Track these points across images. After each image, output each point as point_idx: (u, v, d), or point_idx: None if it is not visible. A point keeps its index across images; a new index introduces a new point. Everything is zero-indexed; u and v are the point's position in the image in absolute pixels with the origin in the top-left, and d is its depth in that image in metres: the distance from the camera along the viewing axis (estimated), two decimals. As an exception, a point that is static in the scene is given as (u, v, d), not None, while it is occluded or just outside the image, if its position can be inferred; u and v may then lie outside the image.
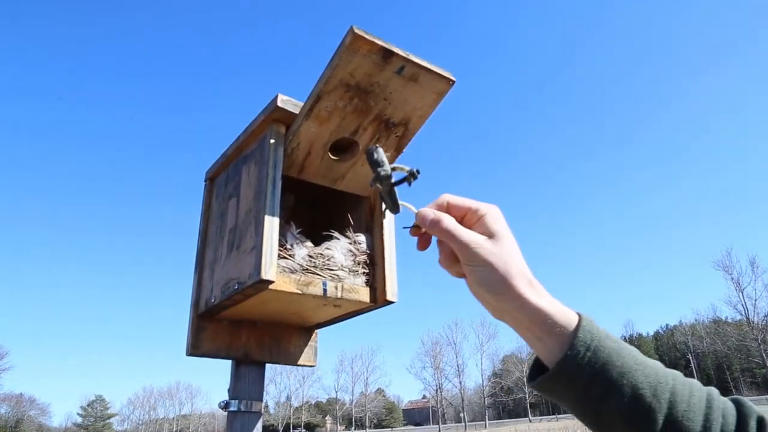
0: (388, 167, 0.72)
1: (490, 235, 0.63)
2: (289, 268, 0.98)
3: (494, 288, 0.62)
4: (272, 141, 0.99)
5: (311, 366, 1.28)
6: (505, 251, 0.62)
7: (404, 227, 0.70)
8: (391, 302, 1.08)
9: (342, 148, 1.06)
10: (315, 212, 1.29)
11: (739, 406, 0.60)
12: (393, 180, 0.72)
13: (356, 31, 0.84)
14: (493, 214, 0.65)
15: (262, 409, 1.17)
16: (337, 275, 1.04)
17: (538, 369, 0.65)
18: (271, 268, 0.91)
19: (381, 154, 0.72)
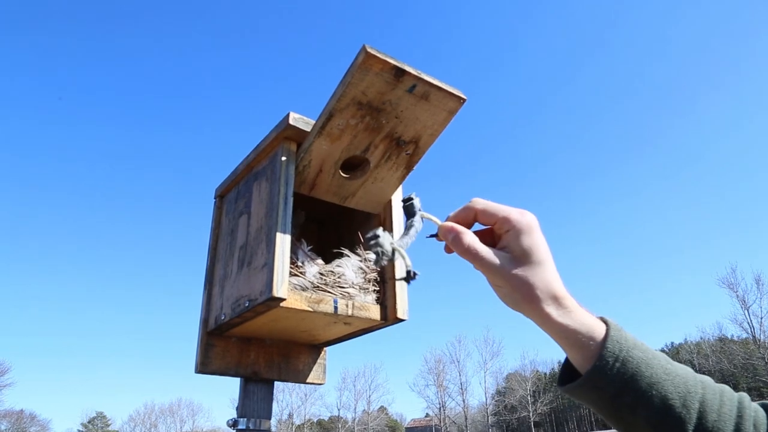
0: (389, 251, 0.69)
1: (517, 252, 0.60)
2: (300, 286, 0.97)
3: (517, 306, 0.62)
4: (284, 158, 1.00)
5: (320, 384, 1.28)
6: (530, 271, 0.60)
7: (428, 236, 0.66)
8: (402, 320, 1.07)
9: (353, 165, 1.06)
10: (325, 229, 1.29)
11: None
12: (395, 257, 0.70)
13: (369, 50, 0.85)
14: (524, 227, 0.61)
15: (270, 428, 1.16)
16: (348, 293, 1.04)
17: (568, 372, 0.65)
18: (282, 285, 0.91)
19: (384, 240, 0.68)
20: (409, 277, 0.66)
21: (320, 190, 1.08)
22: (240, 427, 1.12)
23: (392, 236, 0.65)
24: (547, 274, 0.61)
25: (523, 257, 0.60)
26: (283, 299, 0.91)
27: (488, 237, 0.64)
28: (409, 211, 0.67)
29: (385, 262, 0.66)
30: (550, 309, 0.60)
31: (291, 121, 0.99)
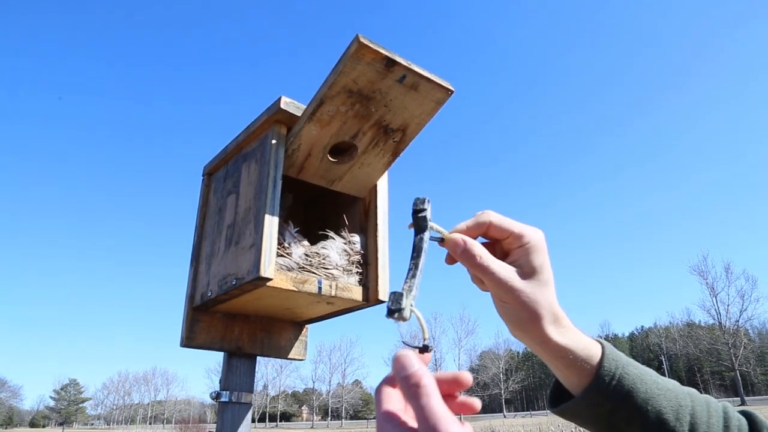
0: (407, 315, 0.57)
1: (527, 269, 0.60)
2: (287, 266, 1.01)
3: (520, 326, 0.61)
4: (274, 141, 1.02)
5: (301, 359, 1.31)
6: (538, 289, 0.60)
7: (433, 238, 0.61)
8: (383, 302, 1.11)
9: (341, 150, 1.09)
10: (310, 211, 1.31)
11: (752, 422, 0.64)
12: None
13: (362, 40, 0.87)
14: (536, 245, 0.61)
15: (252, 401, 1.20)
16: (332, 274, 1.07)
17: (558, 393, 0.68)
18: (270, 266, 0.94)
19: (405, 303, 0.57)
20: (423, 350, 0.57)
21: (308, 173, 1.11)
22: (223, 399, 1.15)
23: (409, 287, 0.55)
24: (551, 293, 0.61)
25: (532, 274, 0.60)
26: (270, 279, 0.94)
27: (490, 251, 0.62)
28: (420, 225, 0.60)
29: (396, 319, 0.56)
30: (551, 328, 0.61)
31: (282, 105, 1.01)
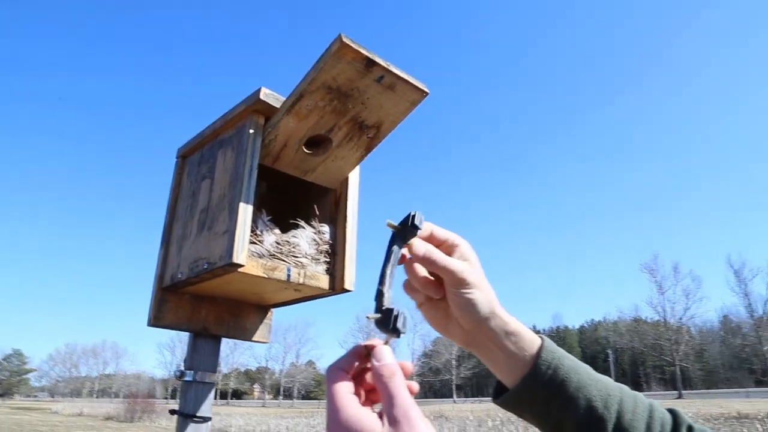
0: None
1: (471, 263, 0.70)
2: (258, 253, 1.04)
3: (483, 309, 0.68)
4: (252, 131, 1.04)
5: (264, 342, 1.35)
6: (483, 277, 0.69)
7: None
8: (348, 290, 1.15)
9: (316, 143, 1.12)
10: (281, 200, 1.34)
11: (675, 417, 0.71)
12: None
13: (344, 39, 0.90)
14: (467, 245, 0.71)
15: (216, 381, 1.23)
16: (301, 262, 1.11)
17: (501, 389, 0.74)
18: (242, 252, 0.97)
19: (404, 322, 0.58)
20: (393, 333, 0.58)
21: (283, 163, 1.14)
22: (187, 378, 1.18)
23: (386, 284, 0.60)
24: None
25: (475, 266, 0.70)
26: (242, 265, 0.97)
27: None
28: (406, 239, 0.65)
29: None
30: (503, 312, 0.70)
31: (262, 96, 1.04)
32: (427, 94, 1.04)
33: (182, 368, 1.20)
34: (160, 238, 1.22)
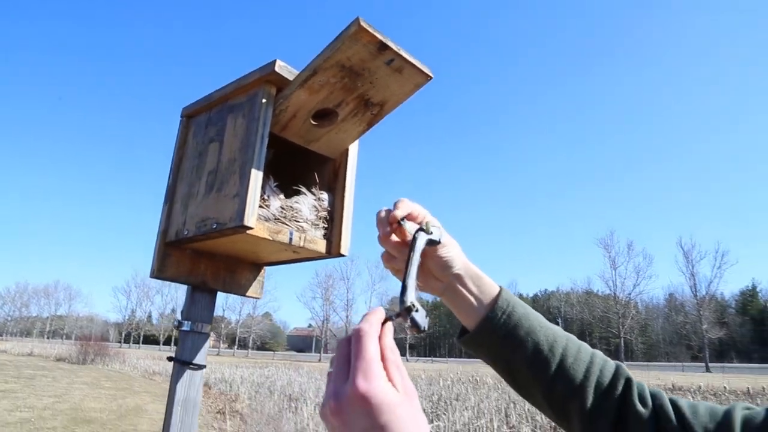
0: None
1: (438, 227, 0.81)
2: (264, 217, 1.11)
3: (457, 264, 0.83)
4: (264, 101, 1.10)
5: (257, 298, 1.43)
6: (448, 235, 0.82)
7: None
8: (343, 255, 1.23)
9: (322, 115, 1.18)
10: (283, 165, 1.40)
11: (617, 368, 0.82)
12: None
13: (362, 23, 0.96)
14: (428, 212, 0.82)
15: (210, 332, 1.31)
16: (302, 227, 1.18)
17: (464, 332, 0.87)
18: (252, 216, 1.04)
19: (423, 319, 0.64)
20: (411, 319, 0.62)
21: (290, 132, 1.19)
22: (184, 328, 1.25)
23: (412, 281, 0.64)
24: None
25: (440, 226, 0.82)
26: (252, 228, 1.04)
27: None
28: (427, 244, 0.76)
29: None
30: (470, 265, 0.84)
31: (276, 68, 1.09)
32: (431, 78, 1.10)
33: (179, 318, 1.27)
34: (164, 194, 1.27)
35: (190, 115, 1.31)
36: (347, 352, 0.52)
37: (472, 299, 0.84)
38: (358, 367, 0.49)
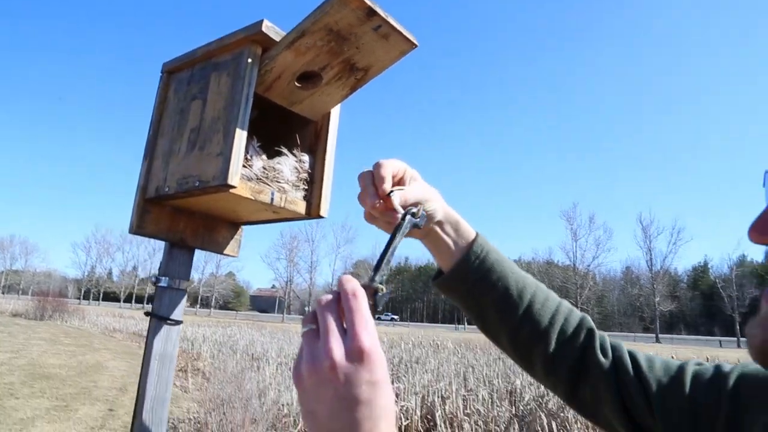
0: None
1: (418, 181, 0.81)
2: (247, 177, 1.12)
3: (440, 214, 0.85)
4: (250, 60, 1.10)
5: (234, 256, 1.45)
6: (429, 186, 0.84)
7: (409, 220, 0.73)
8: (323, 217, 1.26)
9: (306, 77, 1.18)
10: (264, 126, 1.40)
11: (582, 318, 0.88)
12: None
13: (352, -12, 0.97)
14: (407, 166, 0.80)
15: (187, 288, 1.32)
16: (283, 188, 1.20)
17: (439, 274, 0.91)
18: (236, 175, 1.05)
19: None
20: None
21: (273, 93, 1.20)
22: (162, 284, 1.27)
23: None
24: None
25: (420, 179, 0.83)
26: (235, 187, 1.05)
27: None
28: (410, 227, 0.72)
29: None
30: (450, 211, 0.88)
31: (263, 28, 1.09)
32: (416, 46, 1.12)
33: (157, 275, 1.29)
34: (143, 150, 1.27)
35: (171, 71, 1.30)
36: (336, 309, 0.53)
37: (450, 243, 0.87)
38: (359, 323, 0.51)
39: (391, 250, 0.64)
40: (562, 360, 0.84)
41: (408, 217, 0.71)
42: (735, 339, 56.68)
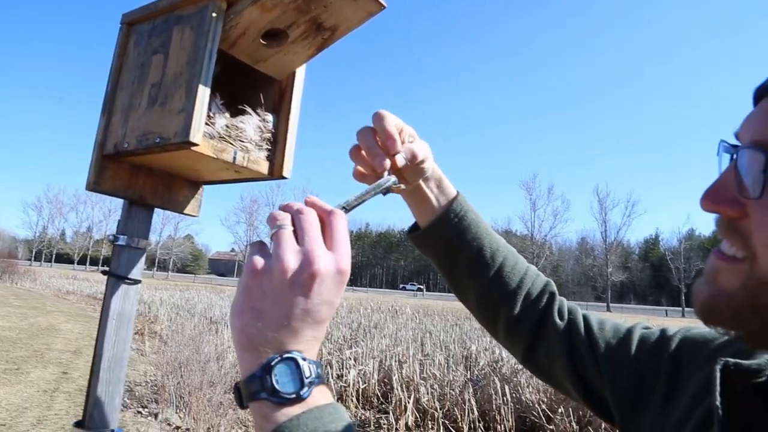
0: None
1: (418, 140, 0.82)
2: (209, 134, 1.10)
3: (428, 171, 0.84)
4: (214, 15, 1.06)
5: (194, 216, 1.43)
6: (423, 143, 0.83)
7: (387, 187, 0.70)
8: (285, 178, 1.25)
9: (272, 35, 1.16)
10: (226, 83, 1.37)
11: (546, 283, 0.92)
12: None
13: (320, -57, 0.95)
14: (405, 124, 0.79)
15: (147, 246, 1.31)
16: (246, 147, 1.18)
17: (414, 229, 0.93)
18: (198, 132, 1.03)
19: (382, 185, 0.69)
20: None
21: (238, 50, 1.17)
22: (120, 243, 1.25)
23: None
24: None
25: (417, 137, 0.83)
26: (197, 144, 1.03)
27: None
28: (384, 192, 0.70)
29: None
30: (436, 167, 0.88)
31: (228, -19, 1.05)
32: (384, 7, 1.11)
33: (115, 233, 1.26)
34: (101, 105, 1.23)
35: (131, 23, 1.25)
36: (317, 220, 0.54)
37: (432, 199, 0.88)
38: (345, 243, 0.53)
39: (359, 202, 0.64)
40: (524, 321, 0.88)
41: (392, 180, 0.70)
42: (680, 309, 59.25)
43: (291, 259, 0.50)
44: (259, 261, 0.51)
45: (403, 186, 0.75)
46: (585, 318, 0.87)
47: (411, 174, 0.83)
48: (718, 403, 0.53)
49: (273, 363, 0.48)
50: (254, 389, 0.48)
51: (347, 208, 0.62)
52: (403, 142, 0.77)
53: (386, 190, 0.69)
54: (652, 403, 0.72)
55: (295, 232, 0.53)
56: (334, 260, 0.51)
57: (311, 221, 0.53)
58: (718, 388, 0.54)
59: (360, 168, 0.78)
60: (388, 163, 0.72)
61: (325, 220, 0.54)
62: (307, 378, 0.48)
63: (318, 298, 0.50)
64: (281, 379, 0.48)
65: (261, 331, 0.50)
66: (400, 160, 0.74)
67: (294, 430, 0.47)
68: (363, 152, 0.75)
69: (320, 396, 0.50)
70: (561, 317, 0.88)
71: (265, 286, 0.50)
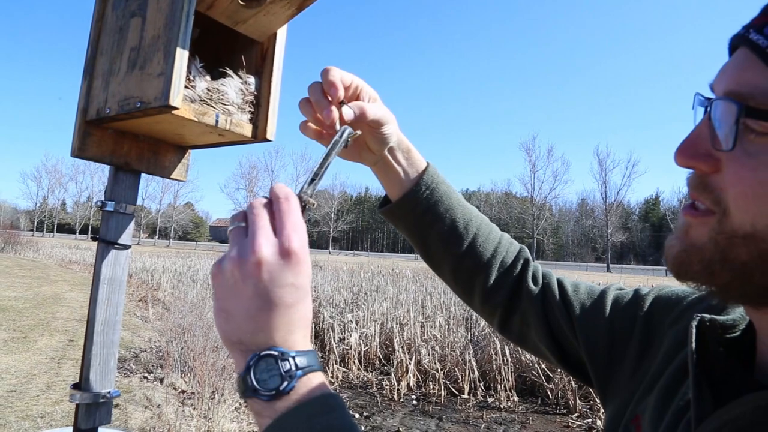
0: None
1: (378, 102, 0.79)
2: (190, 98, 1.10)
3: (393, 139, 0.83)
4: (190, -25, 1.05)
5: (182, 180, 1.44)
6: (387, 109, 0.80)
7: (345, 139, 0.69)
8: (269, 140, 1.25)
9: (250, -5, 1.15)
10: (206, 46, 1.36)
11: (520, 249, 0.93)
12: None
13: None
14: (366, 84, 0.78)
15: (134, 212, 1.32)
16: (228, 110, 1.18)
17: (386, 202, 0.92)
18: (178, 96, 1.03)
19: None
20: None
21: (216, 11, 1.16)
22: (107, 208, 1.26)
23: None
24: None
25: (380, 100, 0.80)
26: (177, 108, 1.03)
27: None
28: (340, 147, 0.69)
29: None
30: (403, 138, 0.86)
31: (202, -59, 1.04)
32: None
33: (103, 199, 1.27)
34: (82, 70, 1.22)
35: (107, -15, 1.24)
36: (269, 211, 0.54)
37: (401, 171, 0.87)
38: (289, 225, 0.52)
39: (325, 166, 0.65)
40: (499, 289, 0.89)
41: (347, 130, 0.69)
42: (680, 267, 59.35)
43: (237, 253, 0.51)
44: (217, 264, 0.53)
45: (359, 132, 0.72)
46: (560, 282, 0.87)
47: (373, 142, 0.82)
48: (693, 348, 0.54)
49: (251, 362, 0.50)
50: (242, 389, 0.50)
51: (315, 178, 0.62)
52: (359, 100, 0.76)
53: (345, 143, 0.68)
54: (626, 362, 0.73)
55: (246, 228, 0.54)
56: (277, 244, 0.51)
57: (257, 213, 0.53)
58: (693, 341, 0.55)
59: (311, 124, 0.77)
60: (335, 113, 0.71)
61: (273, 208, 0.54)
62: (286, 372, 0.49)
63: (272, 284, 0.50)
64: (261, 377, 0.49)
65: (234, 331, 0.51)
66: (347, 112, 0.72)
67: None
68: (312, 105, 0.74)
69: (306, 387, 0.50)
70: (535, 282, 0.88)
71: (223, 285, 0.52)
